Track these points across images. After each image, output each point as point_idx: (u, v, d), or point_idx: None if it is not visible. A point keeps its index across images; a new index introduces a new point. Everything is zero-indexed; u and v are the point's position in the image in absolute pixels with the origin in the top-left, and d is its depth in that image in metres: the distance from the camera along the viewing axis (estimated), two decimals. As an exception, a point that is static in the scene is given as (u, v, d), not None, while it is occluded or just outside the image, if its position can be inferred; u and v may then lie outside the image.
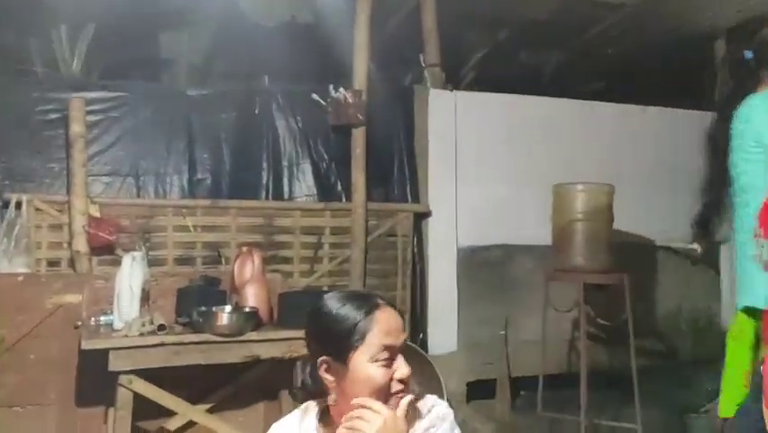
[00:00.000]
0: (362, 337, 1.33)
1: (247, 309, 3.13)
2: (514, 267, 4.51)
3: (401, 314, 1.43)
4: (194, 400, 3.13)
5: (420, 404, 1.43)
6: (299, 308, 3.22)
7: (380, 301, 1.39)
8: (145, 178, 3.74)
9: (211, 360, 3.00)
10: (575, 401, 3.69)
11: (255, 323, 3.11)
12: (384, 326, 1.35)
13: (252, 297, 3.22)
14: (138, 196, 3.72)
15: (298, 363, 2.91)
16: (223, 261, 3.78)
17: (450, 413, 1.44)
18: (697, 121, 5.07)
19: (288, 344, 3.11)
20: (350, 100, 4.06)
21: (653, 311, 4.80)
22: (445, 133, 4.44)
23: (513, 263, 4.51)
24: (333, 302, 1.39)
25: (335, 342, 1.34)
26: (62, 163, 3.53)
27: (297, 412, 1.48)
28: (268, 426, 3.53)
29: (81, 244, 3.40)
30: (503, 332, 4.37)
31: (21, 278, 3.20)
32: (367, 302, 1.38)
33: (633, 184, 4.52)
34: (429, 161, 4.40)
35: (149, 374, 2.89)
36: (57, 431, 3.14)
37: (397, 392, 1.34)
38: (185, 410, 3.07)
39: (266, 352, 3.09)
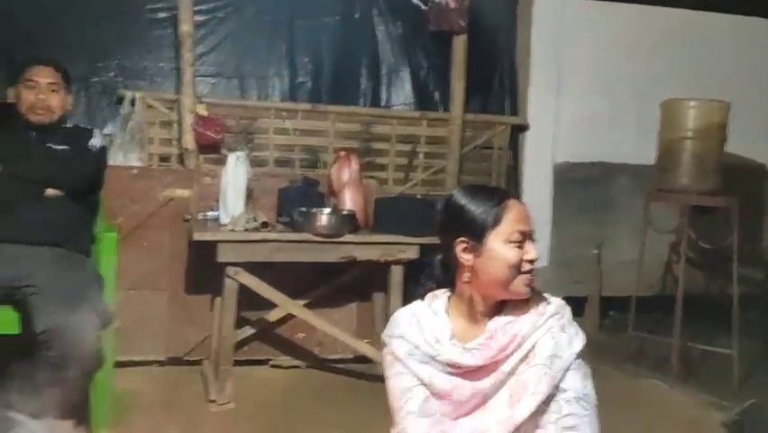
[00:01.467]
0: (498, 220, 1.46)
1: (345, 212, 3.20)
2: (612, 186, 4.39)
3: None
4: (291, 297, 3.27)
5: (543, 295, 1.53)
6: (396, 214, 3.29)
7: (511, 193, 1.55)
8: (248, 80, 3.80)
9: (310, 258, 3.13)
10: (667, 324, 3.64)
11: (352, 226, 3.18)
12: (516, 212, 1.47)
13: (350, 200, 3.29)
14: (241, 97, 3.79)
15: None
16: (320, 164, 3.85)
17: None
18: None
19: (383, 248, 3.19)
20: (451, 5, 3.93)
21: (758, 238, 4.59)
22: (549, 43, 4.26)
23: (611, 182, 4.39)
24: (469, 191, 1.53)
25: (474, 224, 1.47)
26: (171, 63, 3.63)
27: (425, 299, 1.58)
28: (360, 326, 3.70)
29: (190, 142, 3.54)
30: (596, 251, 4.32)
31: (135, 171, 3.38)
32: (500, 192, 1.53)
33: (748, 103, 4.23)
34: (530, 71, 4.26)
35: (251, 268, 3.04)
36: (169, 314, 3.38)
37: (527, 271, 1.47)
38: (285, 303, 3.22)
39: (362, 254, 3.18)
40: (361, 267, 3.35)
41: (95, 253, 2.73)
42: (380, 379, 3.37)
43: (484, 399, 1.48)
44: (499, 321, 1.48)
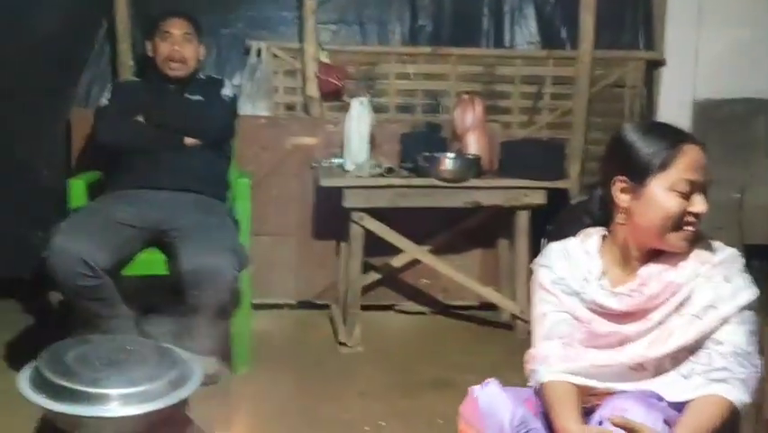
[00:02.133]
0: (666, 165, 1.35)
1: (470, 156, 3.14)
2: (759, 124, 4.01)
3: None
4: (415, 243, 3.28)
5: (712, 242, 1.44)
6: (521, 158, 3.20)
7: (691, 137, 1.40)
8: (368, 25, 3.76)
9: (434, 203, 3.12)
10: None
11: (477, 170, 3.13)
12: (690, 160, 1.35)
13: (474, 144, 3.22)
14: (362, 43, 3.77)
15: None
16: (441, 109, 3.78)
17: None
18: None
19: (508, 192, 3.13)
20: (580, -67, 3.67)
21: None
22: (690, -32, 3.91)
23: (758, 120, 4.01)
24: (643, 127, 1.44)
25: (638, 163, 1.37)
26: (294, 11, 3.65)
27: (578, 236, 1.52)
28: (483, 272, 3.67)
29: (313, 90, 3.57)
30: (738, 195, 4.00)
31: (263, 120, 3.47)
32: (677, 134, 1.40)
33: None
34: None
35: (376, 214, 3.07)
36: (296, 259, 3.49)
37: (689, 224, 1.36)
38: (410, 249, 3.24)
39: (487, 199, 3.13)
40: (486, 213, 3.30)
41: (229, 198, 2.85)
42: (506, 326, 3.38)
43: (622, 342, 1.40)
44: (654, 268, 1.39)
